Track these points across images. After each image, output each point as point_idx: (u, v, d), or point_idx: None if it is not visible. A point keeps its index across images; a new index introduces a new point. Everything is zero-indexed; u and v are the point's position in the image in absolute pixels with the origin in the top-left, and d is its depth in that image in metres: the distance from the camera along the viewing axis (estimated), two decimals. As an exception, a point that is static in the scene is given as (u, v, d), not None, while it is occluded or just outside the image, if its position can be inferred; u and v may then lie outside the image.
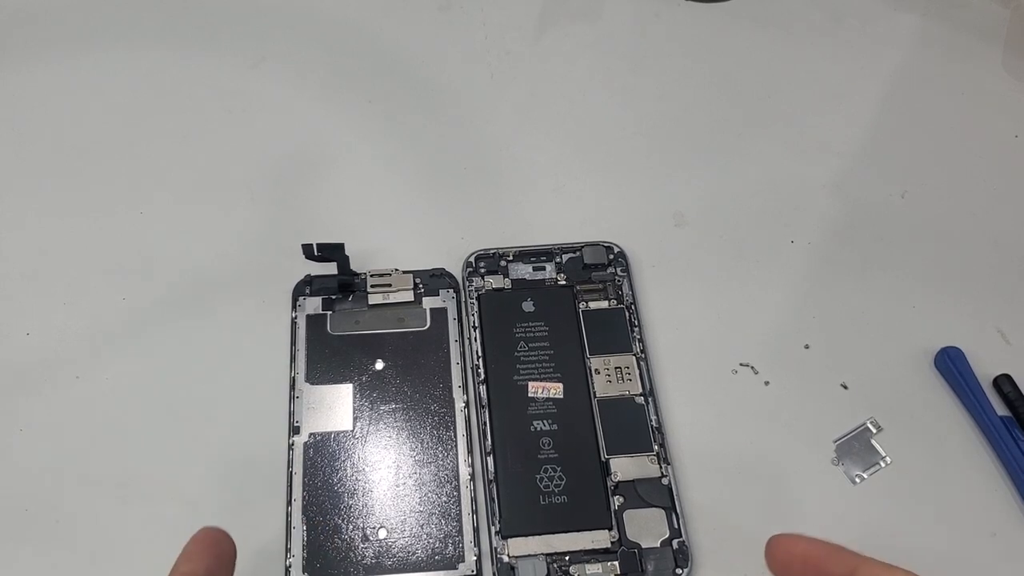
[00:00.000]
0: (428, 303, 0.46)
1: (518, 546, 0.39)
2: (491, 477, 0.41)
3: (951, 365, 0.44)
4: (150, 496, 0.41)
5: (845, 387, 0.45)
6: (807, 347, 0.46)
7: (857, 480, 0.43)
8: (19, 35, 0.55)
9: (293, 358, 0.44)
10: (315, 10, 0.57)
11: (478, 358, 0.44)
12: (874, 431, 0.44)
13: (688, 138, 0.53)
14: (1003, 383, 0.44)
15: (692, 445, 0.43)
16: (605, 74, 0.55)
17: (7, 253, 0.47)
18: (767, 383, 0.45)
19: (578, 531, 0.40)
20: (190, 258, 0.47)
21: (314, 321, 0.45)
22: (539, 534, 0.40)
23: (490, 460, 0.41)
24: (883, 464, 0.43)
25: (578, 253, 0.47)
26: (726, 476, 0.42)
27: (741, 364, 0.45)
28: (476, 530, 0.40)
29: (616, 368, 0.44)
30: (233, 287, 0.46)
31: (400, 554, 0.39)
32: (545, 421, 0.42)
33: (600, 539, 0.40)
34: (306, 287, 0.46)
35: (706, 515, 0.41)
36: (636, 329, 0.45)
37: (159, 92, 0.53)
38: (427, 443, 0.42)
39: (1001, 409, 0.44)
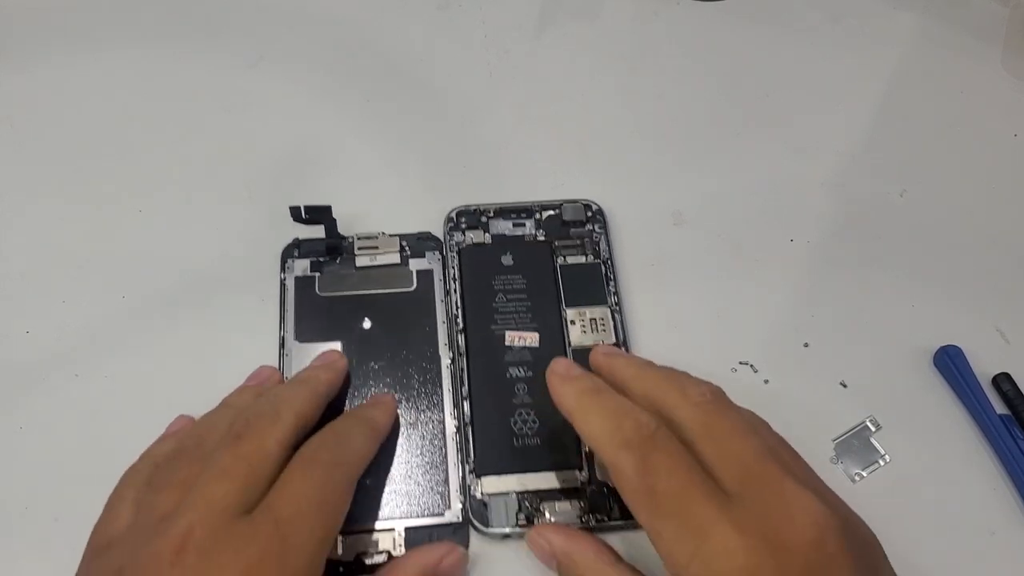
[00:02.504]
0: (414, 265, 0.47)
1: (491, 484, 0.41)
2: (467, 420, 0.42)
3: (950, 364, 0.45)
4: (149, 494, 0.41)
5: (844, 385, 0.45)
6: (806, 345, 0.46)
7: (856, 479, 0.43)
8: (19, 35, 0.55)
9: (282, 318, 0.45)
10: (313, 9, 0.57)
11: (458, 309, 0.45)
12: (873, 429, 0.44)
13: (687, 137, 0.53)
14: (1002, 382, 0.44)
15: (691, 443, 0.43)
16: (604, 73, 0.55)
17: (6, 251, 0.47)
18: (766, 381, 0.45)
19: (550, 471, 0.41)
20: (189, 256, 0.47)
21: (302, 282, 0.46)
22: (511, 473, 0.41)
23: (467, 405, 0.43)
24: (882, 463, 0.43)
25: (557, 211, 0.48)
26: (725, 474, 0.42)
27: (740, 362, 0.45)
28: (463, 480, 0.41)
29: (591, 320, 0.45)
30: (232, 285, 0.46)
31: (387, 502, 0.41)
32: (521, 368, 0.44)
33: (570, 479, 0.41)
34: (294, 250, 0.47)
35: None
36: (612, 283, 0.46)
37: (158, 91, 0.53)
38: (414, 398, 0.43)
39: (1000, 408, 0.44)
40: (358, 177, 0.50)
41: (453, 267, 0.46)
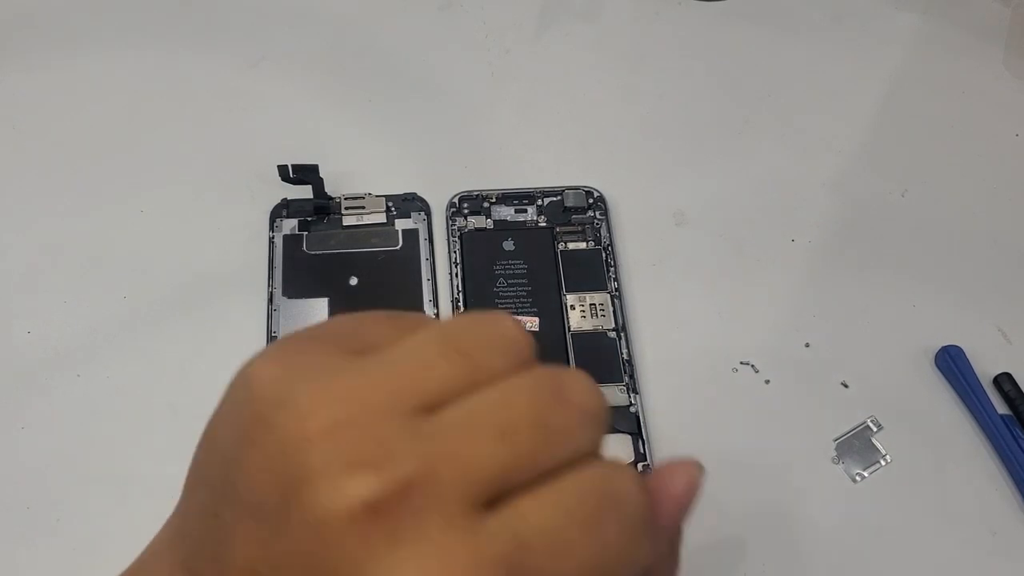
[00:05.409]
0: (400, 224, 0.48)
1: None
2: None
3: (951, 364, 0.44)
4: (151, 494, 0.41)
5: (845, 385, 0.45)
6: (807, 345, 0.46)
7: (857, 479, 0.43)
8: (19, 35, 0.55)
9: (271, 275, 0.46)
10: (315, 9, 0.57)
11: (458, 292, 0.46)
12: (874, 429, 0.44)
13: (688, 137, 0.53)
14: (1003, 382, 0.44)
15: (692, 443, 0.43)
16: (605, 73, 0.55)
17: (8, 252, 0.47)
18: (767, 382, 0.45)
19: None
20: (190, 256, 0.47)
21: (291, 240, 0.47)
22: None
23: None
24: (883, 463, 0.43)
25: (559, 197, 0.49)
26: (726, 474, 0.42)
27: (741, 362, 0.45)
28: None
29: (591, 305, 0.46)
30: (234, 285, 0.46)
31: None
32: None
33: None
34: (283, 209, 0.48)
35: (706, 512, 0.41)
36: (612, 269, 0.47)
37: (159, 91, 0.53)
38: None
39: (1001, 408, 0.44)
40: (361, 175, 0.50)
41: (455, 251, 0.47)
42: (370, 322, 0.21)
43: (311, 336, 0.20)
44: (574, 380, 0.19)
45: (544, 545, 0.17)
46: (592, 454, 0.19)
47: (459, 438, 0.17)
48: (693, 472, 0.20)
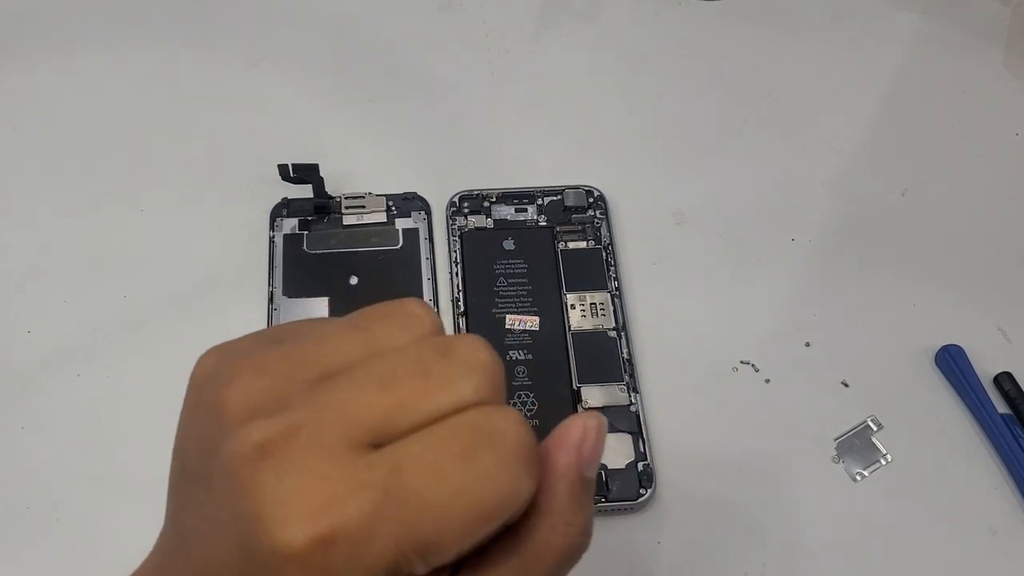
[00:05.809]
0: (400, 224, 0.48)
1: None
2: None
3: (952, 363, 0.44)
4: (151, 494, 0.41)
5: (846, 385, 0.45)
6: (808, 345, 0.46)
7: (858, 478, 0.43)
8: (19, 35, 0.55)
9: (271, 274, 0.46)
10: (315, 9, 0.57)
11: (459, 292, 0.46)
12: (875, 429, 0.44)
13: (688, 136, 0.53)
14: (1004, 381, 0.44)
15: (692, 443, 0.43)
16: (605, 73, 0.55)
17: (8, 251, 0.47)
18: (768, 381, 0.45)
19: None
20: (191, 256, 0.47)
21: (291, 240, 0.47)
22: None
23: None
24: (884, 462, 0.43)
25: (559, 196, 0.49)
26: (726, 474, 0.42)
27: (742, 362, 0.45)
28: None
29: (591, 304, 0.46)
30: (234, 285, 0.46)
31: None
32: (521, 351, 0.44)
33: None
34: (283, 209, 0.48)
35: (706, 512, 0.41)
36: (612, 268, 0.47)
37: (159, 91, 0.53)
38: None
39: (1002, 407, 0.44)
40: (361, 175, 0.50)
41: (455, 251, 0.47)
42: (302, 321, 0.24)
43: (248, 334, 0.24)
44: (463, 340, 0.21)
45: (419, 471, 0.19)
46: (480, 403, 0.20)
47: (346, 389, 0.20)
48: (589, 422, 0.22)
